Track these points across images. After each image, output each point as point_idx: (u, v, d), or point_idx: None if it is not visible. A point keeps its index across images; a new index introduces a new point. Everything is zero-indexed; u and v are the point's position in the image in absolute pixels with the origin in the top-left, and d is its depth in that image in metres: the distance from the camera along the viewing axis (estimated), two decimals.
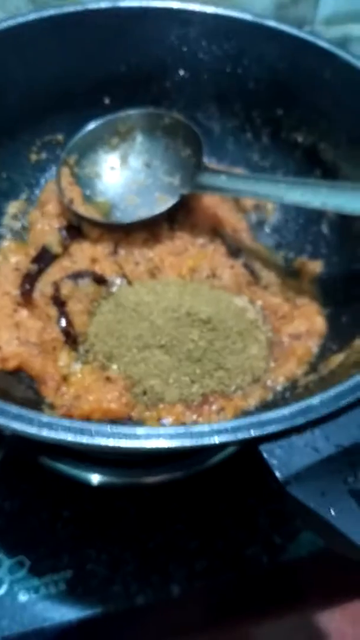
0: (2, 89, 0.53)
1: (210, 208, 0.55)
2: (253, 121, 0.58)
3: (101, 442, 0.30)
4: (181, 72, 0.57)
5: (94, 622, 0.44)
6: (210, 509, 0.47)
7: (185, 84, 0.58)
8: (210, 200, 0.56)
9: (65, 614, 0.43)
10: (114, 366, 0.46)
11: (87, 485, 0.47)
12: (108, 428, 0.30)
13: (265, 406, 0.45)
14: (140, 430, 0.30)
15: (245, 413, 0.45)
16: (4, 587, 0.44)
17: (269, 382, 0.46)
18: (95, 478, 0.47)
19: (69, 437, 0.30)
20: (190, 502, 0.48)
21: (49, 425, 0.30)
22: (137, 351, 0.46)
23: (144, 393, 0.45)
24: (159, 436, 0.30)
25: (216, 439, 0.30)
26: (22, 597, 0.44)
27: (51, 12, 0.53)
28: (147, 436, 0.30)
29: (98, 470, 0.47)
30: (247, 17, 0.54)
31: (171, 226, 0.55)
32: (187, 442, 0.30)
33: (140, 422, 0.45)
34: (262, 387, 0.45)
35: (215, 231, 0.55)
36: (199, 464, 0.48)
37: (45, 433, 0.30)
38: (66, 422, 0.30)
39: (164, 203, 0.54)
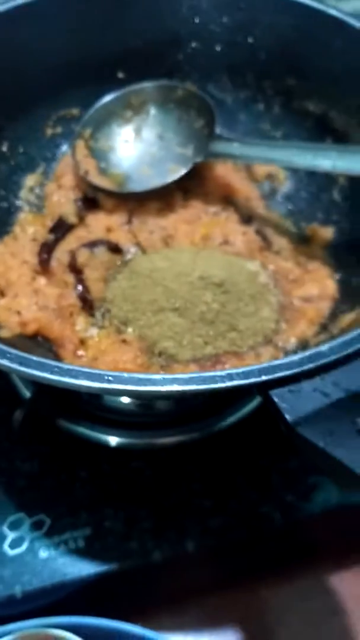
0: (18, 64, 0.54)
1: (223, 177, 0.56)
2: (265, 91, 0.58)
3: (119, 387, 0.31)
4: (193, 44, 0.58)
5: (112, 577, 0.45)
6: (224, 470, 0.48)
7: (197, 55, 0.58)
8: (222, 170, 0.57)
9: (84, 569, 0.44)
10: (130, 329, 0.48)
11: (103, 446, 0.49)
12: (125, 374, 0.31)
13: None
14: (155, 376, 0.31)
15: None
16: (25, 545, 0.45)
17: (280, 343, 0.47)
18: (113, 440, 0.49)
19: (89, 383, 0.31)
20: (205, 463, 0.48)
21: (70, 372, 0.31)
22: (151, 314, 0.47)
23: (159, 354, 0.46)
24: (173, 381, 0.31)
25: (228, 383, 0.31)
26: (43, 553, 0.45)
27: None
28: (163, 381, 0.31)
29: (115, 432, 0.49)
30: None
31: (184, 196, 0.56)
32: (201, 386, 0.31)
33: None
34: (274, 347, 0.46)
35: (228, 200, 0.56)
36: (213, 425, 0.49)
37: (67, 379, 0.31)
38: (86, 369, 0.31)
39: (177, 173, 0.55)
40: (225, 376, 0.31)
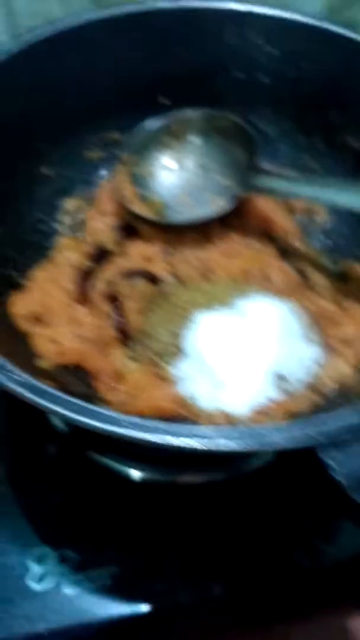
0: (63, 87, 0.54)
1: (262, 210, 0.56)
2: (307, 124, 0.57)
3: (162, 440, 0.30)
4: (237, 73, 0.57)
5: (138, 618, 0.44)
6: (253, 511, 0.47)
7: (240, 85, 0.58)
8: (262, 203, 0.56)
9: (110, 608, 0.43)
10: (167, 365, 0.47)
11: (133, 480, 0.48)
12: (169, 426, 0.30)
13: (315, 410, 0.45)
14: (203, 429, 0.30)
15: (295, 416, 0.44)
16: (51, 580, 0.44)
17: (318, 386, 0.46)
18: (141, 474, 0.48)
19: (141, 435, 0.30)
20: (234, 503, 0.48)
21: (116, 422, 0.31)
22: None
23: None
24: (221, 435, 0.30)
25: (279, 444, 0.30)
26: (67, 590, 0.44)
27: (112, 11, 0.53)
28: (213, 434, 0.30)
29: (142, 466, 0.48)
30: (305, 19, 0.54)
31: (223, 227, 0.55)
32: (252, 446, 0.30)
33: (192, 421, 0.45)
34: (312, 390, 0.45)
35: (267, 233, 0.55)
36: (245, 465, 0.48)
37: (111, 428, 0.31)
38: (137, 420, 0.31)
39: (217, 204, 0.54)
40: (273, 431, 0.30)
